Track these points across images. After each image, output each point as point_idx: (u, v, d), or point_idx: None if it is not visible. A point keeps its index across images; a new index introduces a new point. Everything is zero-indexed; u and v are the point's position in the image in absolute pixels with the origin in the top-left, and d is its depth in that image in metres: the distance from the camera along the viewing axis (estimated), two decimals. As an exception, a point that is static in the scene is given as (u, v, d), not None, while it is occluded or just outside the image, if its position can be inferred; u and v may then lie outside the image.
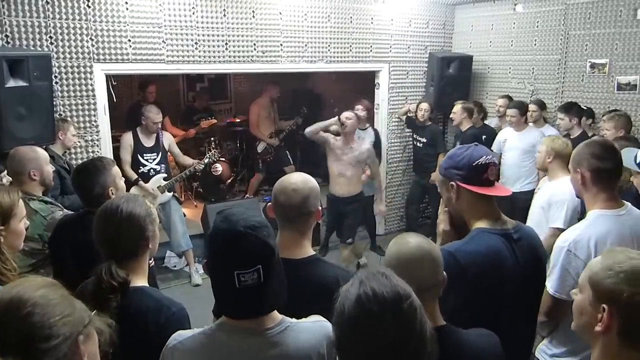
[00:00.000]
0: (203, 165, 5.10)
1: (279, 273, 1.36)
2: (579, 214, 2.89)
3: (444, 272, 1.47)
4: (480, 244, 1.73)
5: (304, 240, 1.80)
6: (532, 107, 5.03)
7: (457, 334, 1.45)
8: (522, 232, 1.83)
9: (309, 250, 1.79)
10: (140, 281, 1.71)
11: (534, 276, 1.83)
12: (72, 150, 4.23)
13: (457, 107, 5.41)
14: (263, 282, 1.28)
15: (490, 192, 1.78)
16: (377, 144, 5.46)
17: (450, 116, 5.53)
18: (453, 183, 1.82)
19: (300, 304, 1.45)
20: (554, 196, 3.04)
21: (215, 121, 6.92)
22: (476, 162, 1.76)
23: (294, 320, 1.41)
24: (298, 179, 1.80)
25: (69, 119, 4.07)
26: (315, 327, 1.43)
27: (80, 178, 2.44)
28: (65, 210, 2.82)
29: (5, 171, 2.91)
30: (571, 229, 2.12)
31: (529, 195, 4.97)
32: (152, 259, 2.27)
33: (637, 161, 2.70)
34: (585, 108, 4.76)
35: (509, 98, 5.58)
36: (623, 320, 1.21)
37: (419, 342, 1.11)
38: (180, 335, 1.40)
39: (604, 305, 1.24)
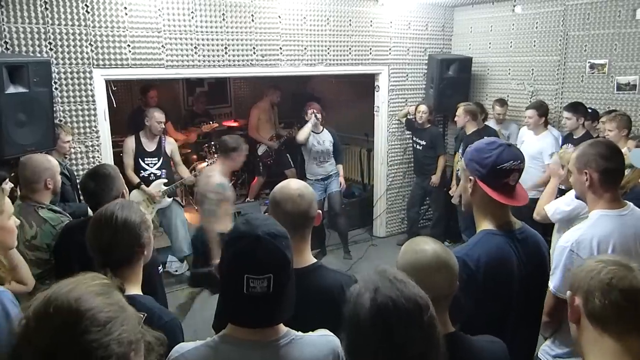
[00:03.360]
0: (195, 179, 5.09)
1: (290, 287, 1.33)
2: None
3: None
4: (487, 246, 1.72)
5: (306, 246, 1.79)
6: (528, 112, 4.95)
7: (467, 341, 1.44)
8: (527, 233, 1.83)
9: (310, 258, 1.79)
10: (133, 289, 1.69)
11: (537, 276, 1.84)
12: (73, 156, 4.23)
13: (460, 110, 5.30)
14: (272, 293, 1.25)
15: (505, 201, 1.75)
16: (335, 145, 5.57)
17: (454, 119, 5.45)
18: (472, 177, 1.81)
19: (305, 312, 1.43)
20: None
21: (217, 125, 6.96)
22: (500, 166, 1.73)
23: (299, 333, 1.38)
24: (299, 185, 1.79)
25: (62, 124, 4.05)
26: (321, 341, 1.40)
27: (96, 183, 2.45)
28: (72, 219, 2.83)
29: (8, 179, 2.92)
30: (574, 229, 2.11)
31: (533, 204, 4.92)
32: (161, 267, 2.27)
33: None
34: (590, 110, 4.74)
35: (502, 102, 5.57)
36: (585, 305, 1.28)
37: (437, 352, 1.10)
38: (182, 347, 1.36)
39: (569, 292, 1.33)
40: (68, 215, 2.87)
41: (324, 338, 1.41)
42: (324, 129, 5.53)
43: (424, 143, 5.72)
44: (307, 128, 5.36)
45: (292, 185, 1.79)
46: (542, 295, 1.93)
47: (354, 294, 1.12)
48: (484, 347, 1.44)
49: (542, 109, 4.88)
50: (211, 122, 6.87)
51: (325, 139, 5.49)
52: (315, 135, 5.44)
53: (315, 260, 1.79)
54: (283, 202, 1.73)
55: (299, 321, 1.40)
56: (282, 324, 1.36)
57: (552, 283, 2.03)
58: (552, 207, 2.88)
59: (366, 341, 1.08)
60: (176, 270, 5.32)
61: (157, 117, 4.70)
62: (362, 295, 1.10)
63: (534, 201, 4.71)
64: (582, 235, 2.01)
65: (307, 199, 1.74)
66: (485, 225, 1.81)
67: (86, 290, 0.96)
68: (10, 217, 1.99)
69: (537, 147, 4.81)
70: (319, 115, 5.39)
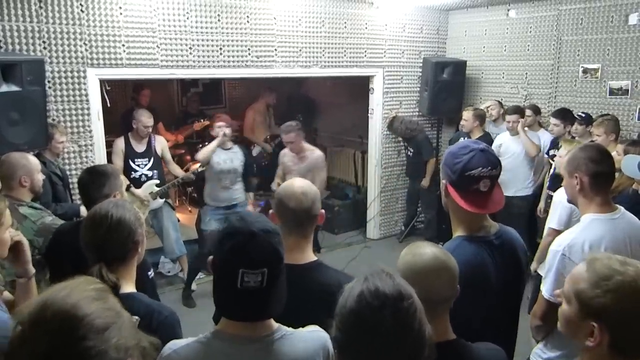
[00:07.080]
0: (194, 177, 5.06)
1: (282, 282, 1.36)
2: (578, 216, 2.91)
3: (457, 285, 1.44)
4: (463, 254, 1.69)
5: (307, 245, 1.81)
6: (526, 112, 5.05)
7: (468, 349, 1.44)
8: (504, 237, 1.80)
9: (311, 255, 1.81)
10: (129, 287, 1.71)
11: (514, 281, 1.82)
12: (66, 156, 4.21)
13: (469, 115, 5.26)
14: (265, 287, 1.28)
15: (472, 210, 1.71)
16: (247, 166, 4.78)
17: (461, 123, 5.43)
18: (444, 181, 1.81)
19: (304, 309, 1.45)
20: (555, 197, 3.04)
21: (209, 123, 6.92)
22: (469, 173, 1.69)
23: (290, 329, 1.41)
24: (304, 184, 1.83)
25: (57, 124, 4.02)
26: (312, 336, 1.43)
27: (91, 177, 2.44)
28: (54, 216, 2.81)
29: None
30: (566, 233, 2.12)
31: (523, 201, 5.05)
32: (152, 271, 2.26)
33: None
34: (582, 115, 4.75)
35: (499, 104, 5.61)
36: (613, 336, 1.23)
37: (416, 343, 1.11)
38: (174, 344, 1.38)
39: (594, 323, 1.25)
40: (49, 211, 2.86)
41: (314, 334, 1.44)
42: (235, 146, 4.73)
43: (413, 150, 5.89)
44: (212, 146, 4.53)
45: (295, 183, 1.83)
46: (519, 299, 1.91)
47: (349, 286, 1.18)
48: (484, 356, 1.44)
49: (523, 113, 4.99)
50: (202, 120, 6.82)
51: (234, 158, 4.66)
52: (224, 151, 4.61)
53: (316, 258, 1.81)
54: (287, 199, 1.77)
55: (299, 316, 1.42)
56: (273, 320, 1.38)
57: (545, 287, 2.04)
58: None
59: (348, 326, 1.13)
60: (169, 272, 5.31)
61: (144, 121, 4.62)
62: (353, 286, 1.16)
63: (521, 198, 4.84)
64: (574, 239, 2.02)
65: (310, 197, 1.77)
66: (460, 230, 1.79)
67: (82, 295, 0.95)
68: (7, 230, 1.94)
69: (522, 148, 4.90)
70: (227, 131, 4.55)
